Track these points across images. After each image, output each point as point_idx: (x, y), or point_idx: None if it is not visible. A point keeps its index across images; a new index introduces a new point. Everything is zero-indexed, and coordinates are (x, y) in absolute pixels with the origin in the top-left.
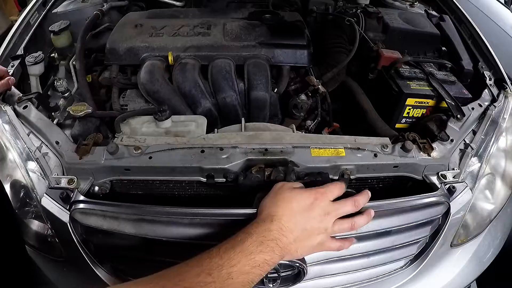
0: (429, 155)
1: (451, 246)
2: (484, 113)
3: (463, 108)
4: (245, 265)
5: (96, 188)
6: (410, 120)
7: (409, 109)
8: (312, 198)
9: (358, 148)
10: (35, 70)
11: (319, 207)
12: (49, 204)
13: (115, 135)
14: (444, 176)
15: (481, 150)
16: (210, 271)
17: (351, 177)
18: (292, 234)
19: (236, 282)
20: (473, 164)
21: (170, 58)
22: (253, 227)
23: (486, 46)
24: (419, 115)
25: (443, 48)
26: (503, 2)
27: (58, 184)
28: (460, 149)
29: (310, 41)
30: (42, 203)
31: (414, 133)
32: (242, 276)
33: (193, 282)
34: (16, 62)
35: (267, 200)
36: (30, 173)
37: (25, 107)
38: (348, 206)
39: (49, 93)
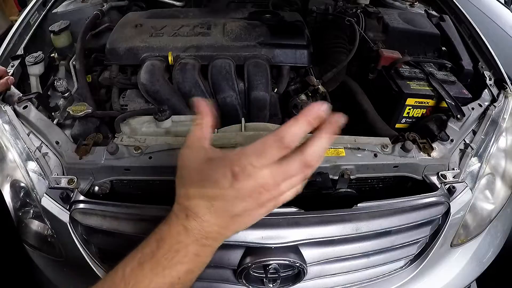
0: (429, 155)
1: (451, 246)
2: (484, 113)
3: (463, 108)
4: (160, 283)
5: (96, 188)
6: (410, 120)
7: (409, 109)
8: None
9: (358, 148)
10: (35, 70)
11: (248, 184)
12: (49, 204)
13: (115, 135)
14: (444, 176)
15: (481, 150)
16: None
17: (351, 177)
18: (219, 230)
19: None
20: (473, 164)
21: (170, 58)
22: (165, 228)
23: (486, 46)
24: (419, 115)
25: (443, 48)
26: (503, 2)
27: (58, 184)
28: (460, 149)
29: (310, 41)
30: (42, 203)
31: (414, 133)
32: None
33: None
34: (16, 62)
35: (184, 172)
36: (30, 173)
37: (25, 107)
38: (294, 163)
39: (49, 93)
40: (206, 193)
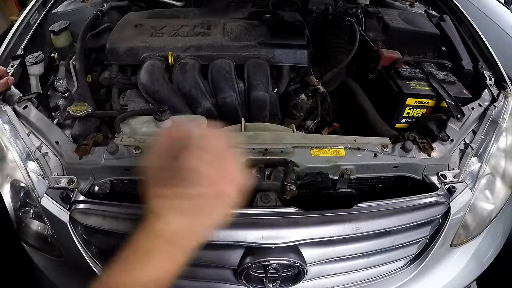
0: (429, 155)
1: (451, 246)
2: (484, 113)
3: (463, 108)
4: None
5: (96, 188)
6: (410, 120)
7: (409, 109)
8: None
9: (358, 148)
10: (35, 70)
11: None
12: (49, 204)
13: (115, 135)
14: (444, 176)
15: (481, 150)
16: None
17: (351, 177)
18: (187, 228)
19: None
20: (473, 164)
21: (170, 58)
22: (137, 235)
23: (486, 46)
24: (419, 115)
25: (443, 48)
26: (503, 2)
27: (58, 184)
28: (460, 149)
29: (310, 41)
30: (42, 203)
31: (414, 133)
32: None
33: None
34: (16, 62)
35: (148, 175)
36: (30, 173)
37: (25, 107)
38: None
39: (49, 93)
40: (164, 193)
